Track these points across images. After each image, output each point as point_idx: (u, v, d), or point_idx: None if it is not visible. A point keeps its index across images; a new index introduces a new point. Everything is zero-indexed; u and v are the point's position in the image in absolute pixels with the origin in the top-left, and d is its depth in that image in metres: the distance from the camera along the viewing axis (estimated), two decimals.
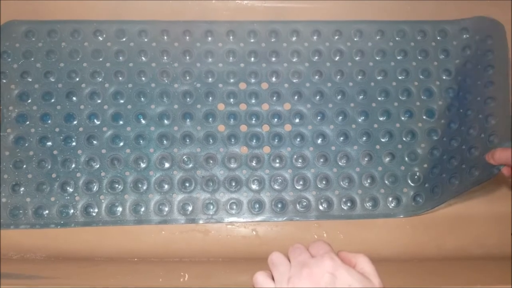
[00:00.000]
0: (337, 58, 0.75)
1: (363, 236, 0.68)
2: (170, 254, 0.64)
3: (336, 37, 0.76)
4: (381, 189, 0.69)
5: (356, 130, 0.72)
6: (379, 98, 0.73)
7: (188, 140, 0.70)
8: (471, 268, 0.64)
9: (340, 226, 0.68)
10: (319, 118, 0.72)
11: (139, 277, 0.58)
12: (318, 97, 0.73)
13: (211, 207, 0.68)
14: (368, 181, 0.69)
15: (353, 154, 0.71)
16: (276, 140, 0.71)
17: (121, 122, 0.70)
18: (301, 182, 0.69)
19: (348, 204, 0.68)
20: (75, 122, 0.70)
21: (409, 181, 0.70)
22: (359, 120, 0.72)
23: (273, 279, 0.37)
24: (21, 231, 0.65)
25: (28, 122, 0.69)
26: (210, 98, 0.72)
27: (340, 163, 0.70)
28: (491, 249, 0.68)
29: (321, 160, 0.70)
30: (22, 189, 0.66)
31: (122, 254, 0.64)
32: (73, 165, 0.68)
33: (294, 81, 0.74)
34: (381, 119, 0.72)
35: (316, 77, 0.74)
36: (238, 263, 0.64)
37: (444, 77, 0.74)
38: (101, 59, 0.72)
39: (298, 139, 0.71)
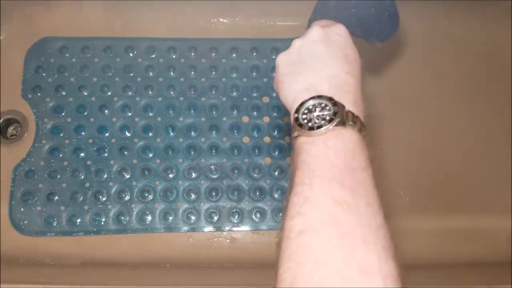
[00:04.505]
0: None
1: None
2: (200, 260, 0.67)
3: None
4: None
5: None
6: None
7: (214, 151, 0.73)
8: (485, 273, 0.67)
9: None
10: None
11: (174, 279, 0.60)
12: None
13: (236, 215, 0.70)
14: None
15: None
16: None
17: (151, 134, 0.73)
18: None
19: None
20: (107, 134, 0.73)
21: None
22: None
23: None
24: (55, 238, 0.68)
25: (62, 134, 0.72)
26: (235, 111, 0.76)
27: None
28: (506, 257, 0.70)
29: None
30: (56, 198, 0.69)
31: (155, 260, 0.66)
32: (106, 175, 0.71)
33: None
34: None
35: None
36: (265, 269, 0.67)
37: None
38: (132, 74, 0.76)
39: None
